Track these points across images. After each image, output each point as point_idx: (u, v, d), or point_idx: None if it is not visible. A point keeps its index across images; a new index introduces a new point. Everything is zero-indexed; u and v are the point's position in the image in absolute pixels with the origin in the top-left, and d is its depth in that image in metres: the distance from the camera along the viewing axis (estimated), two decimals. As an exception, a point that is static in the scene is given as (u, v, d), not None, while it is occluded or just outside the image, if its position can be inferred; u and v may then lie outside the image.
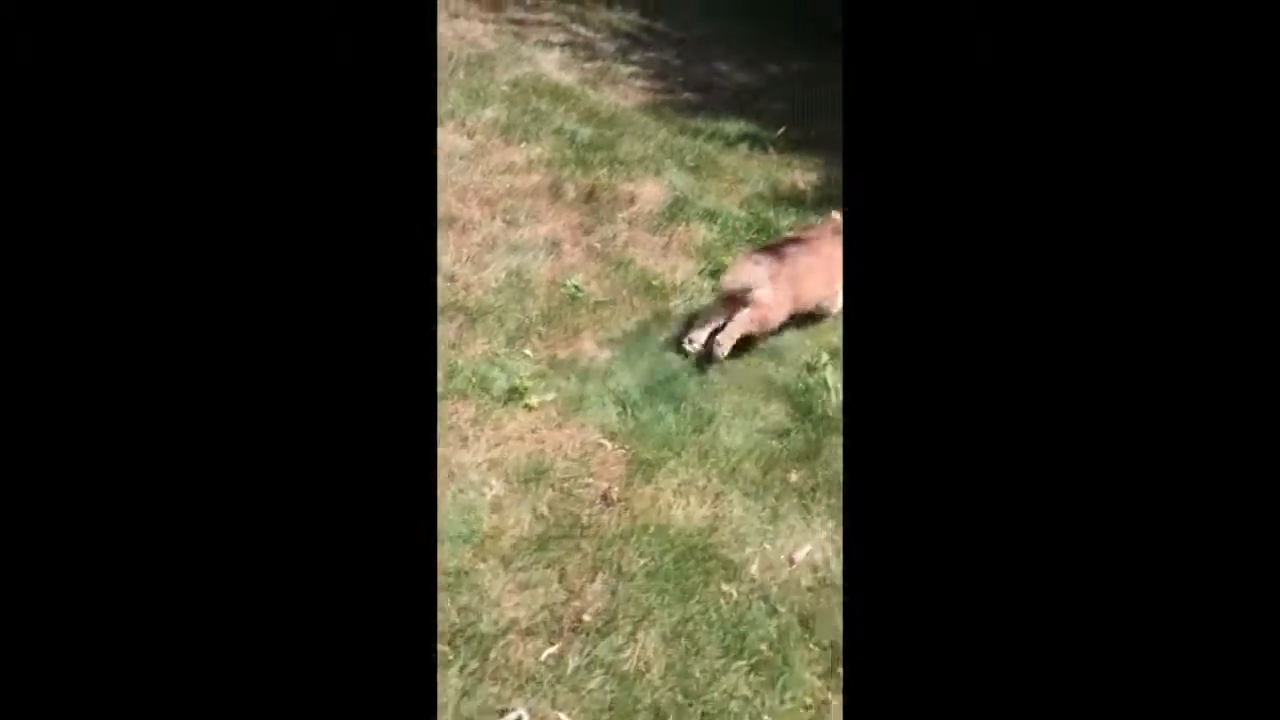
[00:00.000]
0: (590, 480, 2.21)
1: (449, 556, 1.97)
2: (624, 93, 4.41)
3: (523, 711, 1.70)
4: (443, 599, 1.86)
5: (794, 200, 3.57)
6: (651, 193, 3.50)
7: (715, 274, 3.07)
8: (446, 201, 3.22)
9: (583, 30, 5.14)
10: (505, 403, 2.42)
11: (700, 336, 2.64)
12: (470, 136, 3.70)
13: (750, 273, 2.64)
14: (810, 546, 2.13)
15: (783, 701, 1.80)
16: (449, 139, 3.64)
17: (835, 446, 2.42)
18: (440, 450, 2.20)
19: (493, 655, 1.79)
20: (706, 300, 2.94)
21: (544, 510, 2.12)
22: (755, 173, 3.75)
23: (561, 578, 1.95)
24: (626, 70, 4.65)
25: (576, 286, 2.91)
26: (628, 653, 1.82)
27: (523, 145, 3.73)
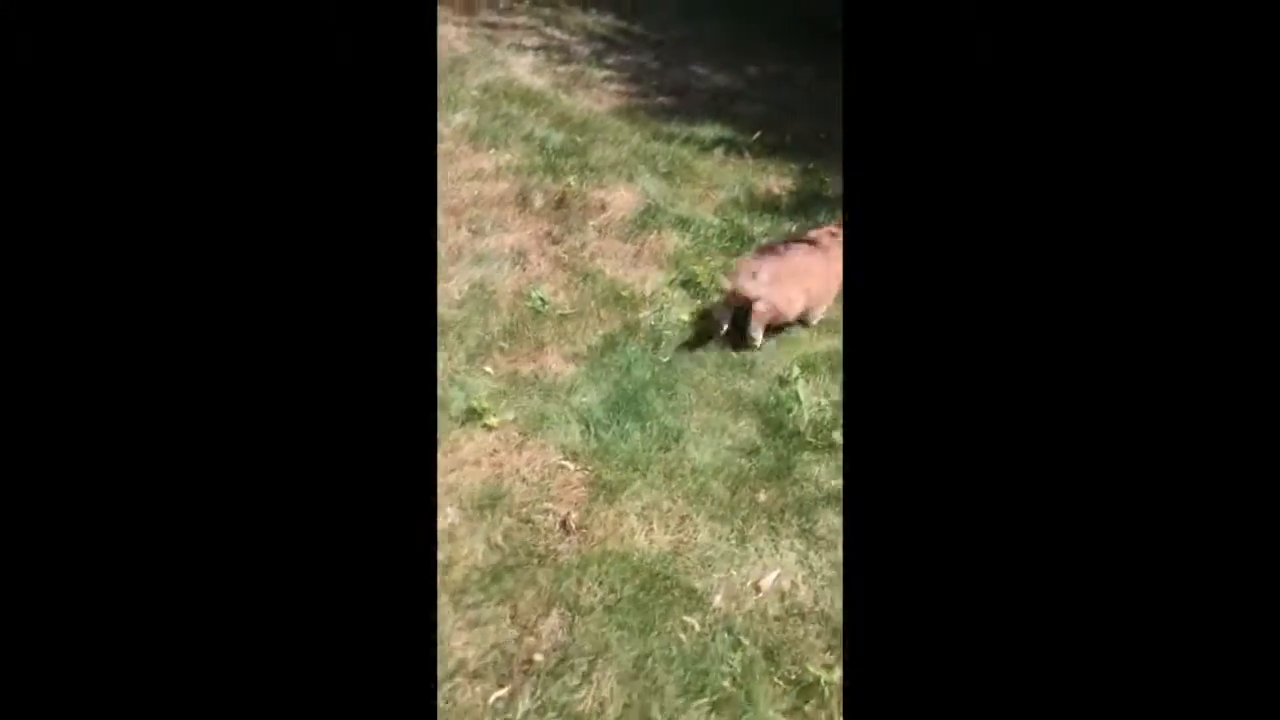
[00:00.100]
0: (549, 505, 2.12)
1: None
2: (598, 97, 4.32)
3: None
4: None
5: (769, 206, 3.48)
6: (623, 200, 3.41)
7: (686, 284, 2.99)
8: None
9: (558, 33, 5.04)
10: (463, 423, 2.32)
11: (726, 319, 2.70)
12: (438, 143, 3.61)
13: (750, 287, 2.62)
14: (778, 571, 2.04)
15: (746, 740, 1.71)
16: (414, 146, 3.55)
17: (806, 464, 2.33)
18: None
19: (438, 700, 1.69)
20: (677, 310, 2.86)
21: (499, 540, 2.02)
22: (730, 178, 3.66)
23: (514, 614, 1.86)
24: (601, 74, 4.56)
25: (542, 299, 2.82)
26: (583, 693, 1.72)
27: (492, 152, 3.64)
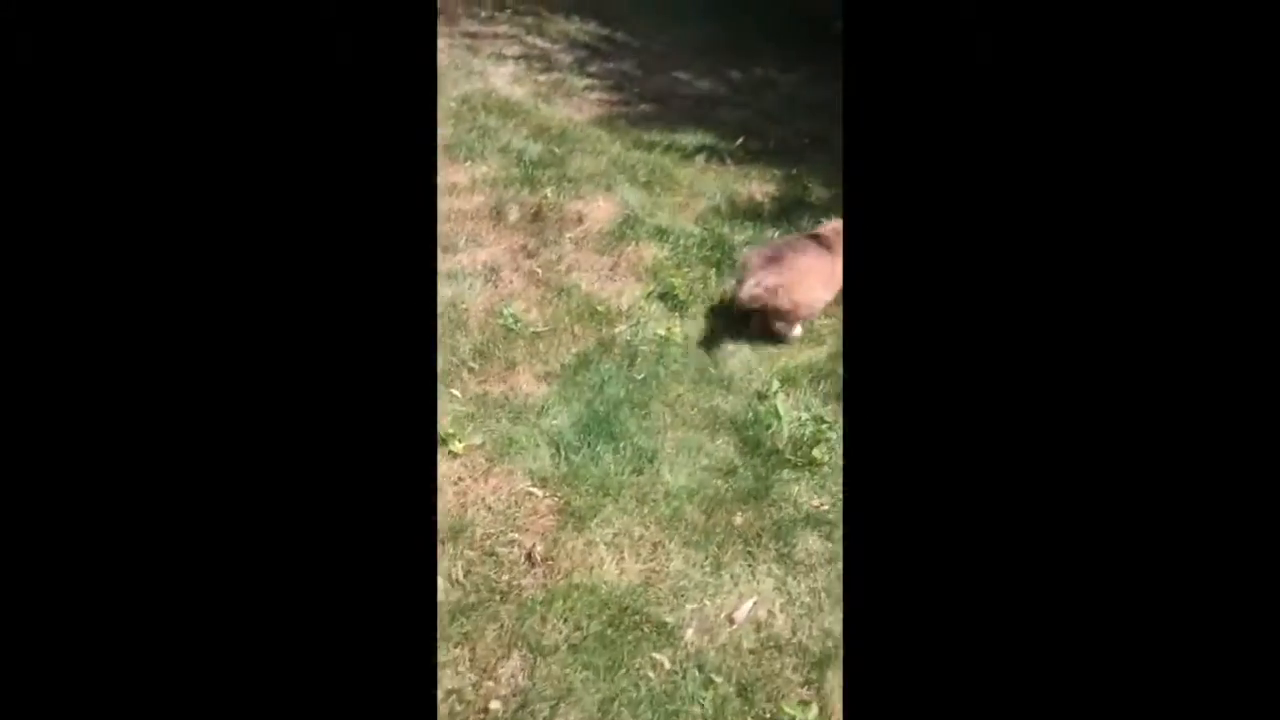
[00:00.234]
0: (514, 536, 2.03)
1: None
2: (578, 106, 4.24)
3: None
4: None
5: (750, 214, 3.39)
6: (601, 211, 3.32)
7: (664, 297, 2.90)
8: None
9: (539, 42, 4.97)
10: (427, 450, 2.24)
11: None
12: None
13: (755, 297, 2.60)
14: (754, 600, 1.95)
15: (718, 785, 1.62)
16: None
17: (785, 483, 2.24)
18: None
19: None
20: (653, 325, 2.77)
21: (459, 575, 1.93)
22: (711, 185, 3.57)
23: (473, 657, 1.77)
24: (582, 83, 4.48)
25: (514, 316, 2.74)
26: (542, 740, 1.64)
27: (467, 164, 3.56)
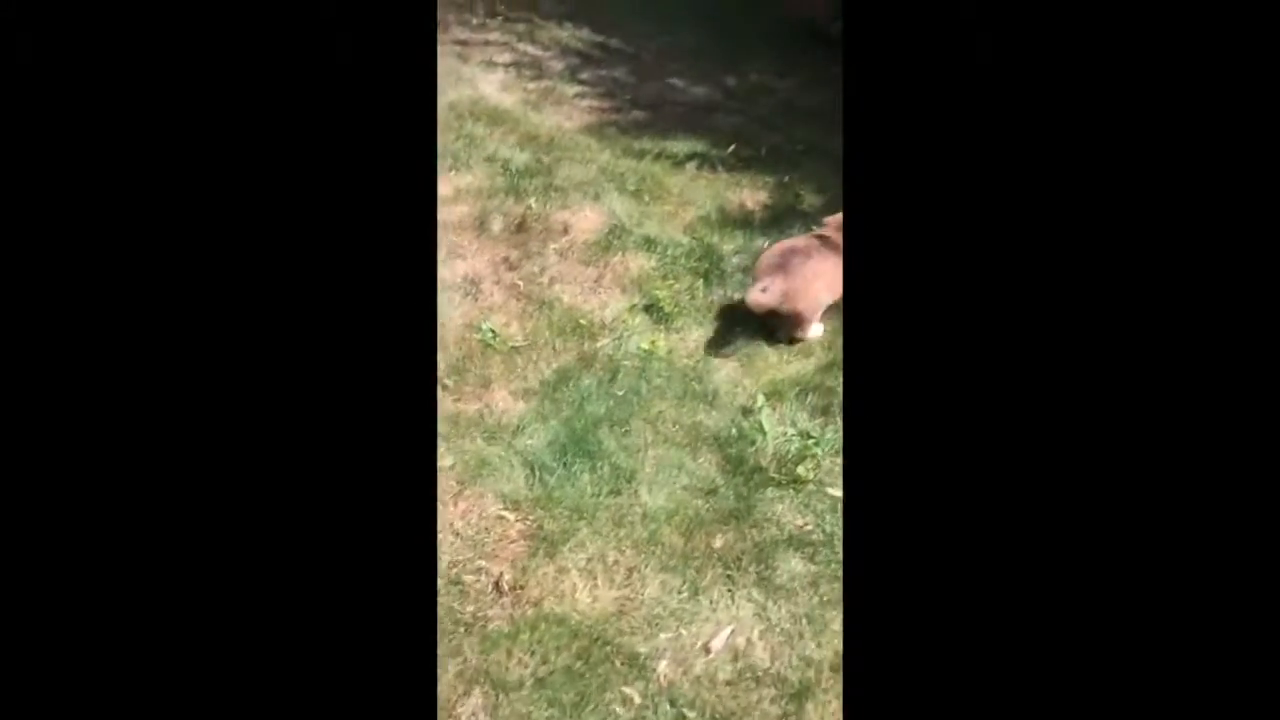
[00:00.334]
0: (482, 564, 1.96)
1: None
2: (568, 113, 4.16)
3: None
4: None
5: (741, 222, 3.31)
6: (588, 221, 3.25)
7: (649, 309, 2.82)
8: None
9: (530, 49, 4.89)
10: (397, 472, 2.17)
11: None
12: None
13: (759, 303, 2.56)
14: (731, 628, 1.87)
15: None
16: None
17: (768, 502, 2.16)
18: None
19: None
20: (637, 339, 2.70)
21: (422, 604, 1.86)
22: (702, 194, 3.49)
23: (431, 691, 1.69)
24: (573, 90, 4.40)
25: (493, 331, 2.67)
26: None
27: (452, 174, 3.49)
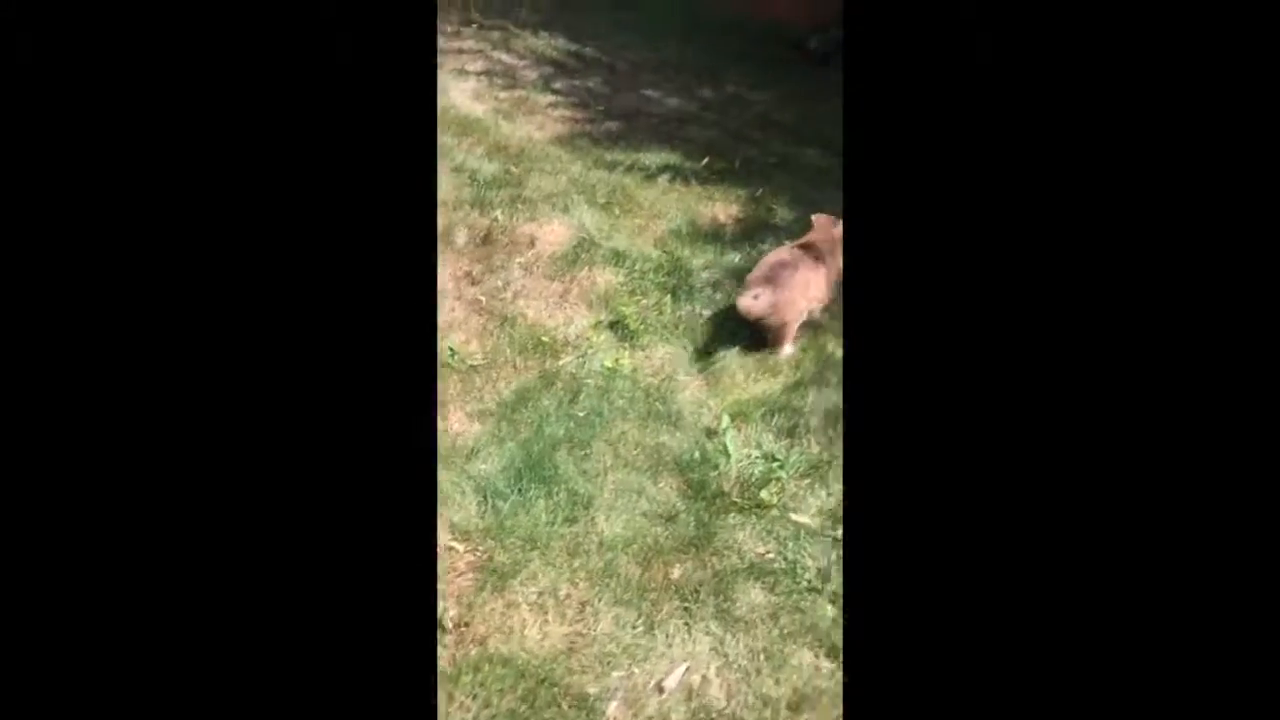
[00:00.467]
0: (426, 596, 1.87)
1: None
2: (540, 124, 4.09)
3: None
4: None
5: (712, 236, 3.24)
6: (555, 234, 3.17)
7: (614, 325, 2.74)
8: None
9: (504, 58, 4.83)
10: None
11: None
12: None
13: (748, 309, 2.54)
14: (686, 665, 1.78)
15: None
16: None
17: (729, 529, 2.08)
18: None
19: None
20: (601, 356, 2.62)
21: (359, 641, 1.77)
22: (673, 207, 3.42)
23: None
24: (546, 100, 4.33)
25: (451, 349, 2.58)
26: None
27: (417, 187, 3.41)
